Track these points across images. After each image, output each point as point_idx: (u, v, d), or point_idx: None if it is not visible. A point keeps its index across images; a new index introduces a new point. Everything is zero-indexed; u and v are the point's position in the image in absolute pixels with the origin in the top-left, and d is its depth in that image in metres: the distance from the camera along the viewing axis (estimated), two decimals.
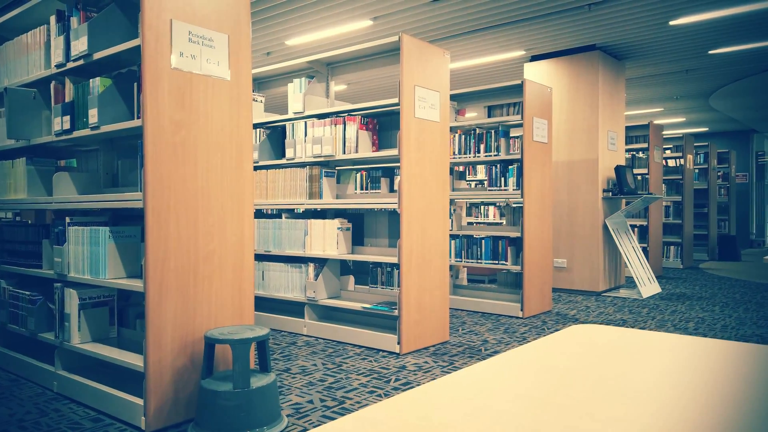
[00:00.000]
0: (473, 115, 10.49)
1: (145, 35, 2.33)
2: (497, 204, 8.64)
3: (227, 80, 2.64)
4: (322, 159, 4.08)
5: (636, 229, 8.09)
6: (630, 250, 6.24)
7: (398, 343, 3.65)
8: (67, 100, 2.85)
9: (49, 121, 3.14)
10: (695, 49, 6.53)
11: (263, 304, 4.81)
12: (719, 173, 10.98)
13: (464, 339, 4.10)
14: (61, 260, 2.79)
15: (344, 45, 6.44)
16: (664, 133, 13.67)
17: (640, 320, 4.81)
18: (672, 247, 8.98)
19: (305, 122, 4.21)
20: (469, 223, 8.78)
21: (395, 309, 3.72)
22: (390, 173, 5.12)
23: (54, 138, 2.90)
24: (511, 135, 6.72)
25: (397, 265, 3.92)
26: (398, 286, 3.64)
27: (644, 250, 7.76)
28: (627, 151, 8.19)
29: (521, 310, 4.91)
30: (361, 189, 5.45)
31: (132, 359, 2.47)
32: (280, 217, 4.37)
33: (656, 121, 12.05)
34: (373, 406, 0.63)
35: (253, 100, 4.71)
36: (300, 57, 6.85)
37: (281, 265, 4.31)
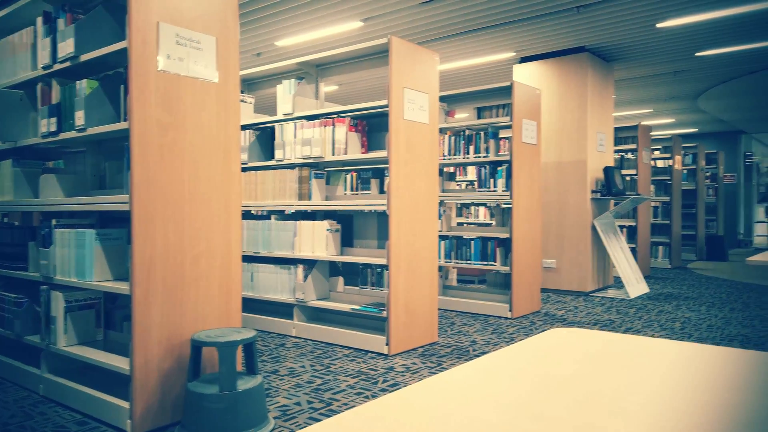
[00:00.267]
0: (463, 117, 10.52)
1: (133, 37, 2.32)
2: (487, 205, 8.68)
3: (215, 82, 2.64)
4: (311, 160, 4.08)
5: (625, 230, 8.15)
6: (617, 250, 6.29)
7: (387, 345, 3.66)
8: (53, 101, 2.84)
9: (36, 123, 3.13)
10: (683, 51, 6.59)
11: (252, 305, 4.80)
12: (707, 174, 11.08)
13: (453, 340, 4.12)
14: (47, 262, 2.78)
15: (335, 46, 6.44)
16: (652, 134, 13.77)
17: (627, 320, 4.85)
18: (660, 247, 9.06)
19: (295, 123, 4.21)
20: (460, 224, 8.80)
21: (384, 310, 3.73)
22: (380, 174, 5.13)
23: (41, 140, 2.88)
24: (500, 136, 6.76)
25: (386, 267, 3.93)
26: (387, 288, 3.66)
27: (633, 250, 7.83)
28: (616, 152, 8.25)
29: (510, 310, 4.93)
30: (352, 190, 5.45)
31: (118, 362, 2.47)
32: (270, 219, 4.37)
33: (645, 122, 12.14)
34: (341, 414, 0.65)
35: (243, 101, 4.70)
36: (290, 58, 6.84)
37: (270, 266, 4.31)
